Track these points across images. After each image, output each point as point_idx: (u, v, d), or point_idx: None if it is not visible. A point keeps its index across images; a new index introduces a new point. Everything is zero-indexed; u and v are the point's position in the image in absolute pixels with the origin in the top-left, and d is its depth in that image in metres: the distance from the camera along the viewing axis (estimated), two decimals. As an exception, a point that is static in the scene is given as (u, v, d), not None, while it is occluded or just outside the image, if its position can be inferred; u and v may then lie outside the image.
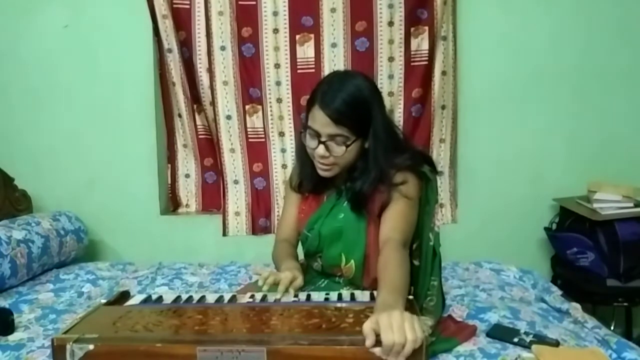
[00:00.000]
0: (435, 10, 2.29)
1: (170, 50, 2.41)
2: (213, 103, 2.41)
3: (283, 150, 2.45)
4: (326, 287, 1.41)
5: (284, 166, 2.45)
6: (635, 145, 2.39)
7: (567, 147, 2.40)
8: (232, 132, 2.44)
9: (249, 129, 2.45)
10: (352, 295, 1.19)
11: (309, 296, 1.22)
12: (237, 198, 2.49)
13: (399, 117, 2.36)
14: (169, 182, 2.60)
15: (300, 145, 1.41)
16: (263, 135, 2.45)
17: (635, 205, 2.11)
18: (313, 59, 2.35)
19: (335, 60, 2.34)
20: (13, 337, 1.53)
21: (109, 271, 2.17)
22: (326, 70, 2.32)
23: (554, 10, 2.33)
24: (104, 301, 1.19)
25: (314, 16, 2.32)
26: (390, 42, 2.31)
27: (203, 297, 1.21)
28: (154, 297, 1.23)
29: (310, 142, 1.33)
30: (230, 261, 2.28)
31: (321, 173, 1.37)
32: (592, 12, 2.33)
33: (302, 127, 1.37)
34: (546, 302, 1.72)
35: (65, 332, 0.98)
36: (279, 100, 2.39)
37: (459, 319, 1.53)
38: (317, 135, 1.30)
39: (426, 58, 2.33)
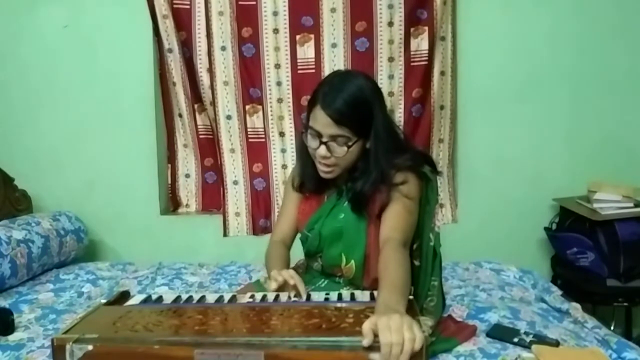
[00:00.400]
0: (434, 11, 2.29)
1: (170, 50, 2.41)
2: (213, 103, 2.41)
3: (283, 151, 2.45)
4: (326, 287, 1.41)
5: (284, 166, 2.45)
6: (635, 145, 2.39)
7: (567, 147, 2.40)
8: (232, 132, 2.44)
9: (249, 129, 2.45)
10: (352, 295, 1.19)
11: (309, 296, 1.22)
12: (237, 198, 2.49)
13: (399, 117, 2.36)
14: (169, 182, 2.60)
15: (302, 145, 1.41)
16: (263, 136, 2.45)
17: (635, 205, 2.11)
18: (313, 59, 2.35)
19: (335, 60, 2.34)
20: (13, 337, 1.53)
21: (109, 271, 2.17)
22: (326, 71, 2.32)
23: (553, 10, 2.33)
24: (104, 301, 1.19)
25: (314, 16, 2.32)
26: (390, 42, 2.32)
27: (203, 297, 1.21)
28: (154, 297, 1.22)
29: (312, 143, 1.33)
30: (230, 261, 2.28)
31: (322, 174, 1.36)
32: (591, 11, 2.33)
33: (303, 128, 1.37)
34: (546, 302, 1.71)
35: (65, 332, 0.98)
36: (279, 101, 2.39)
37: (459, 319, 1.53)
38: (319, 135, 1.30)
39: (426, 58, 2.33)
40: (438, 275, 1.43)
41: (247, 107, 2.43)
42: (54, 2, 2.40)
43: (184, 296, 1.22)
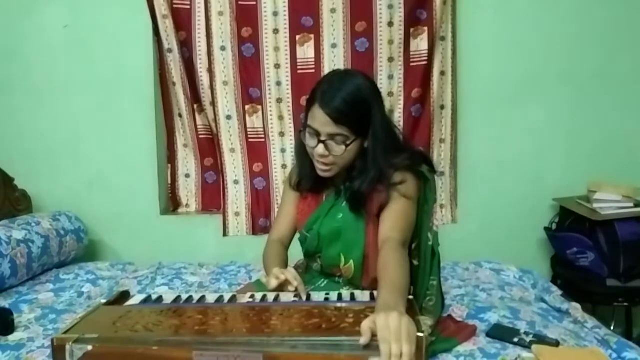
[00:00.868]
0: (434, 11, 2.29)
1: (170, 50, 2.41)
2: (213, 103, 2.41)
3: (283, 151, 2.45)
4: (326, 287, 1.41)
5: (284, 166, 2.45)
6: (635, 145, 2.39)
7: (567, 147, 2.40)
8: (232, 132, 2.44)
9: (249, 129, 2.45)
10: (352, 295, 1.19)
11: (309, 296, 1.22)
12: (237, 198, 2.49)
13: (399, 117, 2.36)
14: (169, 182, 2.60)
15: (300, 144, 1.41)
16: (263, 136, 2.46)
17: (635, 205, 2.11)
18: (313, 60, 2.35)
19: (335, 60, 2.34)
20: (13, 337, 1.53)
21: (109, 271, 2.17)
22: (326, 71, 2.32)
23: (553, 10, 2.33)
24: (104, 301, 1.19)
25: (314, 16, 2.32)
26: (390, 42, 2.32)
27: (203, 297, 1.21)
28: (154, 297, 1.22)
29: (310, 141, 1.33)
30: (230, 261, 2.28)
31: (320, 173, 1.36)
32: (591, 11, 2.33)
33: (301, 126, 1.37)
34: (546, 302, 1.71)
35: (65, 332, 0.98)
36: (279, 101, 2.39)
37: (459, 319, 1.53)
38: (317, 134, 1.30)
39: (426, 58, 2.33)
40: (437, 274, 1.44)
41: (247, 107, 2.43)
42: (54, 2, 2.40)
43: (184, 296, 1.22)
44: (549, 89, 2.37)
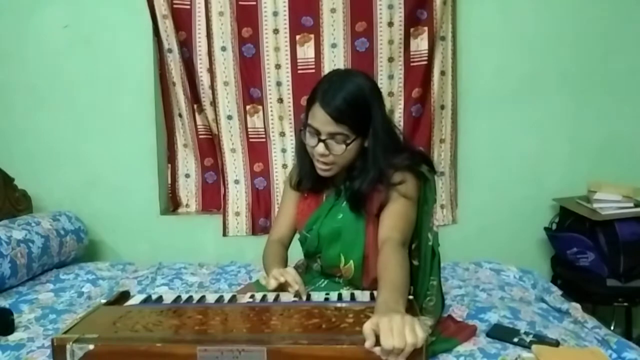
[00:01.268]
0: (434, 11, 2.29)
1: (170, 51, 2.41)
2: (214, 103, 2.41)
3: (283, 150, 2.45)
4: (326, 287, 1.41)
5: (285, 166, 2.45)
6: (635, 145, 2.39)
7: (567, 147, 2.40)
8: (232, 132, 2.44)
9: (249, 129, 2.45)
10: (352, 295, 1.19)
11: (309, 296, 1.22)
12: (237, 198, 2.49)
13: (399, 117, 2.36)
14: (169, 182, 2.60)
15: (300, 143, 1.41)
16: (264, 135, 2.46)
17: (635, 205, 2.11)
18: (313, 60, 2.35)
19: (335, 60, 2.34)
20: (13, 337, 1.53)
21: (109, 271, 2.17)
22: (326, 71, 2.32)
23: (553, 10, 2.33)
24: (104, 301, 1.19)
25: (314, 16, 2.32)
26: (390, 42, 2.32)
27: (203, 297, 1.21)
28: (154, 297, 1.22)
29: (310, 140, 1.33)
30: (230, 261, 2.28)
31: (320, 172, 1.36)
32: (591, 11, 2.33)
33: (302, 125, 1.37)
34: (546, 302, 1.71)
35: (65, 332, 0.98)
36: (280, 101, 2.39)
37: (459, 319, 1.53)
38: (317, 133, 1.30)
39: (426, 58, 2.33)
40: (437, 274, 1.43)
41: (248, 107, 2.43)
42: (55, 2, 2.40)
43: (184, 296, 1.22)
44: (548, 89, 2.37)
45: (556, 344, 1.35)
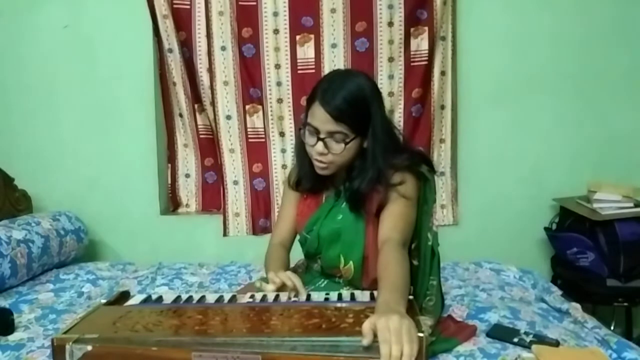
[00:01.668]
0: (434, 11, 2.29)
1: (170, 50, 2.41)
2: (213, 103, 2.41)
3: (283, 151, 2.45)
4: (326, 287, 1.41)
5: (284, 166, 2.45)
6: (635, 145, 2.39)
7: (567, 147, 2.40)
8: (232, 132, 2.44)
9: (249, 129, 2.45)
10: (352, 295, 1.18)
11: (309, 296, 1.22)
12: (236, 198, 2.49)
13: (399, 117, 2.36)
14: (169, 182, 2.60)
15: (300, 143, 1.41)
16: (263, 136, 2.46)
17: (635, 205, 2.11)
18: (313, 60, 2.35)
19: (335, 60, 2.34)
20: (13, 337, 1.53)
21: (109, 271, 2.17)
22: (326, 71, 2.32)
23: (554, 10, 2.33)
24: (104, 301, 1.19)
25: (314, 16, 2.32)
26: (390, 42, 2.32)
27: (203, 297, 1.21)
28: (154, 297, 1.22)
29: (309, 139, 1.33)
30: (230, 261, 2.28)
31: (318, 171, 1.37)
32: (592, 11, 2.33)
33: (301, 124, 1.37)
34: (546, 302, 1.71)
35: (65, 332, 0.98)
36: (279, 101, 2.39)
37: (459, 319, 1.53)
38: (316, 132, 1.30)
39: (426, 58, 2.33)
40: (437, 274, 1.43)
41: (247, 107, 2.43)
42: (54, 2, 2.40)
43: (184, 296, 1.21)
44: (549, 89, 2.37)
45: (556, 344, 1.35)
